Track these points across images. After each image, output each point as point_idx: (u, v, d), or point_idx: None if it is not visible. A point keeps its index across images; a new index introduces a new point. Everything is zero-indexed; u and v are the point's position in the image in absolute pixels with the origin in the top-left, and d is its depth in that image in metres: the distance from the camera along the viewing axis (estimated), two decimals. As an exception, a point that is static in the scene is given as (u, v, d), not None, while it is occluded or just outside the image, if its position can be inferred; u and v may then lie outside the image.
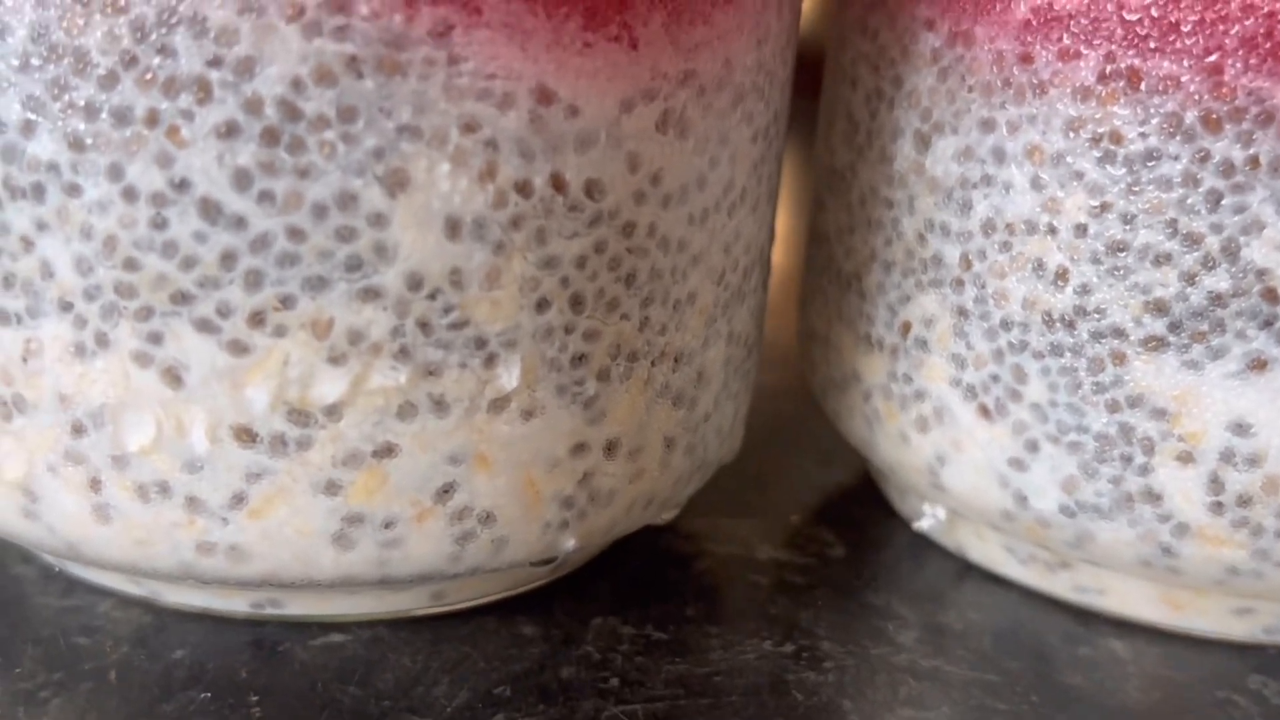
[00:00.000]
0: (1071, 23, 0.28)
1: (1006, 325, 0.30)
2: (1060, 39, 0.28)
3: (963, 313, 0.30)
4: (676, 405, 0.30)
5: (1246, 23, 0.26)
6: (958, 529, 0.34)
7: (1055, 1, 0.28)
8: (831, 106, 0.35)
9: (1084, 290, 0.29)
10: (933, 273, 0.31)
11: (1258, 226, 0.27)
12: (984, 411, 0.31)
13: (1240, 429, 0.28)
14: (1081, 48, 0.28)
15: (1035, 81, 0.28)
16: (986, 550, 0.34)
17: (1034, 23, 0.28)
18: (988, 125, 0.29)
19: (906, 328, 0.32)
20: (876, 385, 0.33)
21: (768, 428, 0.40)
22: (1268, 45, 0.26)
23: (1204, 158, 0.27)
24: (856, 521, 0.36)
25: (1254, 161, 0.27)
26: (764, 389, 0.36)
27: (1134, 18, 0.27)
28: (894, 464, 0.33)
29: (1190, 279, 0.28)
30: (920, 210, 0.31)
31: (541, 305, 0.26)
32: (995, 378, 0.30)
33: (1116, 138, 0.27)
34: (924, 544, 0.35)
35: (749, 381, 0.33)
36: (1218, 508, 0.28)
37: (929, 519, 0.34)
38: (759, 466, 0.38)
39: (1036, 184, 0.29)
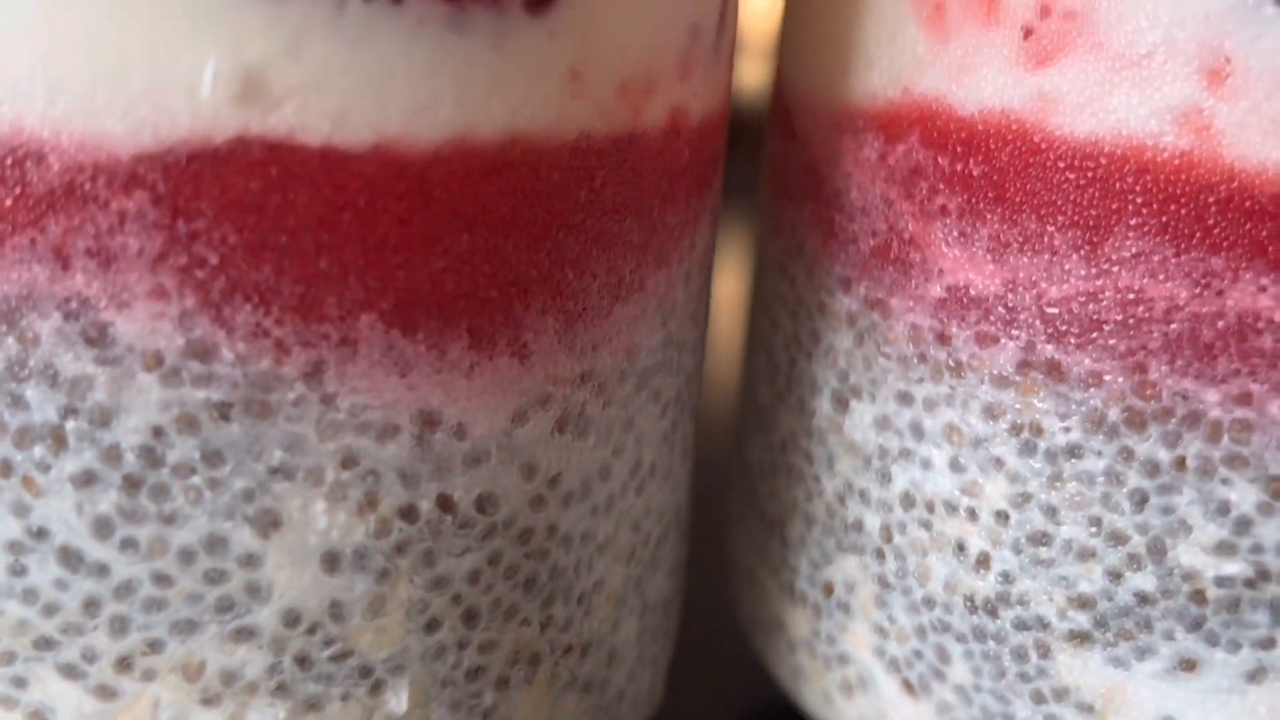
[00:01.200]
0: (989, 308, 0.26)
1: (929, 603, 0.28)
2: (978, 322, 0.26)
3: (885, 583, 0.29)
4: (586, 692, 0.28)
5: (1171, 325, 0.24)
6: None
7: (972, 284, 0.26)
8: (753, 336, 0.33)
9: (1006, 578, 0.27)
10: (854, 537, 0.29)
11: (1185, 529, 0.25)
12: (908, 687, 0.29)
13: (1171, 725, 0.26)
14: (1000, 334, 0.26)
15: (952, 362, 0.27)
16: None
17: (950, 302, 0.27)
18: (905, 398, 0.28)
19: (829, 588, 0.30)
20: (801, 639, 0.31)
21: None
22: (1193, 348, 0.24)
23: (1128, 456, 0.25)
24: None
25: (1180, 463, 0.25)
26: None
27: (1054, 311, 0.25)
28: None
29: (1116, 576, 0.26)
30: (840, 472, 0.29)
31: (431, 626, 0.25)
32: (919, 654, 0.29)
33: (1037, 429, 0.26)
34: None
35: (670, 635, 0.32)
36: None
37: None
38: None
39: (956, 465, 0.27)
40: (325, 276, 0.22)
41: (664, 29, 0.25)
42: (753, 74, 0.78)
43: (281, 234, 0.21)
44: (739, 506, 0.34)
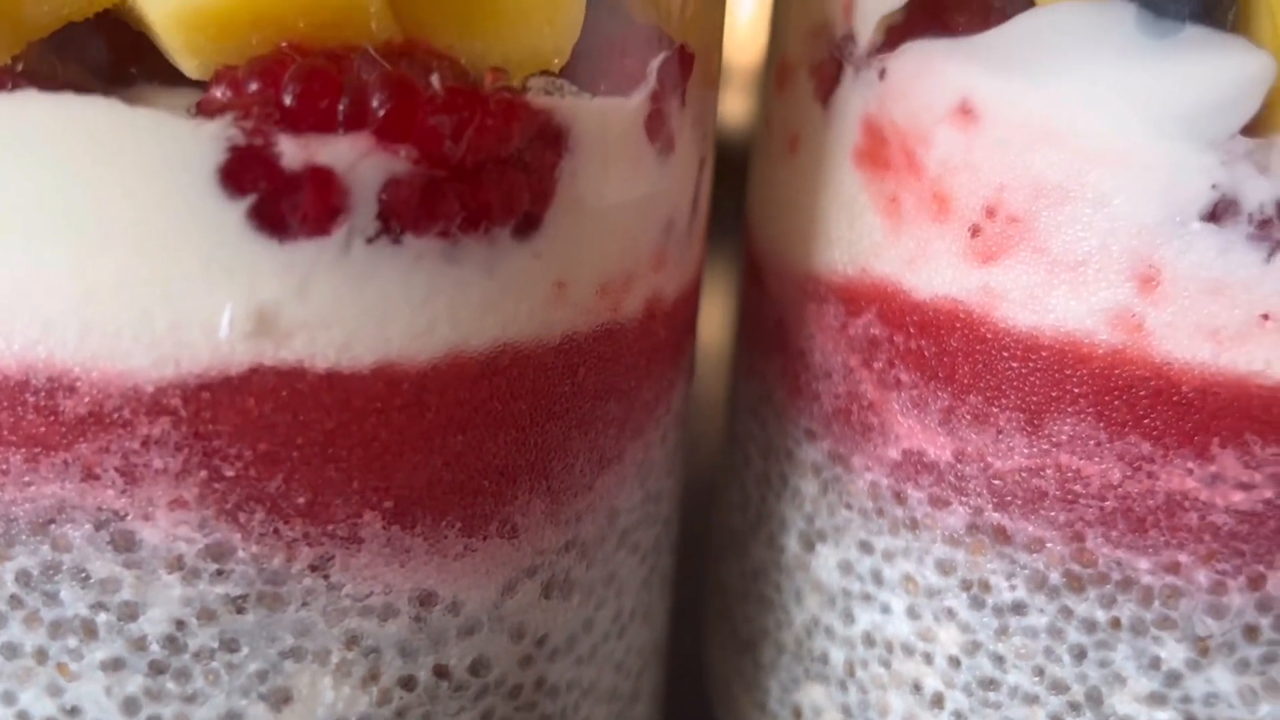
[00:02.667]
0: (941, 474, 0.28)
1: (889, 734, 0.30)
2: (931, 486, 0.28)
3: (848, 712, 0.31)
4: (572, 819, 0.30)
5: (1106, 501, 0.26)
6: None
7: (926, 451, 0.28)
8: (728, 467, 0.35)
9: (958, 717, 0.29)
10: (820, 668, 0.31)
11: (1120, 680, 0.27)
12: (870, 808, 0.31)
13: None
14: (951, 499, 0.28)
15: (908, 520, 0.29)
16: None
17: (905, 466, 0.28)
18: (866, 547, 0.29)
19: (797, 711, 0.32)
20: (771, 754, 0.33)
21: None
22: (1126, 521, 0.26)
23: (1068, 614, 0.27)
24: None
25: (1115, 623, 0.27)
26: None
27: (999, 482, 0.27)
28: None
29: (1058, 721, 0.28)
30: (807, 606, 0.31)
31: (428, 779, 0.27)
32: (880, 780, 0.31)
33: (985, 586, 0.28)
34: None
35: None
36: None
37: None
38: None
39: (912, 612, 0.29)
40: (331, 483, 0.23)
41: (641, 232, 0.26)
42: (737, 106, 0.79)
43: (292, 448, 0.23)
44: (715, 621, 0.36)
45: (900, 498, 0.28)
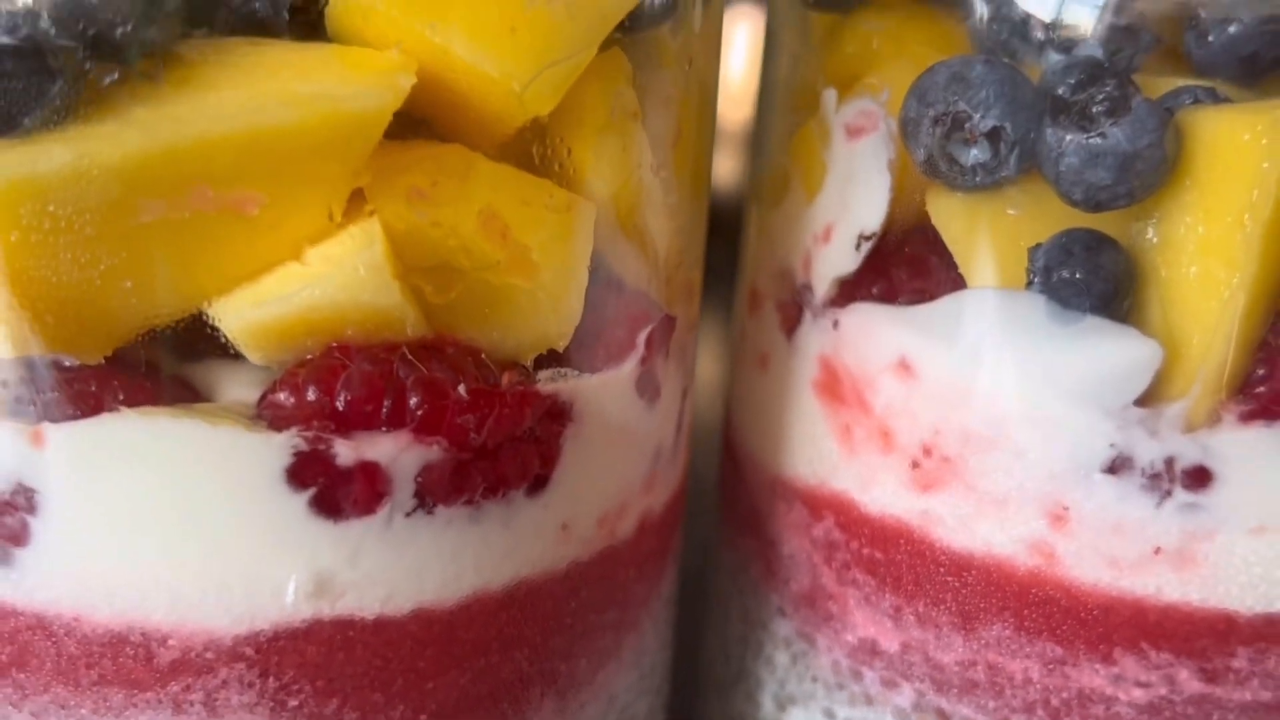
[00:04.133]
0: (891, 660, 0.32)
1: None
2: (883, 669, 0.32)
3: None
4: None
5: (1029, 691, 0.31)
6: None
7: (878, 640, 0.32)
8: (711, 618, 0.39)
9: None
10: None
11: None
12: None
13: None
14: (900, 681, 0.32)
15: (864, 694, 0.33)
16: None
17: (861, 650, 0.33)
18: (830, 713, 0.34)
19: (772, 843, 0.36)
20: None
21: None
22: (1045, 710, 0.31)
23: (999, 783, 0.31)
24: None
25: (1038, 791, 0.31)
26: None
27: (939, 672, 0.31)
28: None
29: None
30: (781, 757, 0.36)
31: None
32: None
33: (930, 756, 0.32)
34: None
35: None
36: None
37: None
38: None
39: (872, 774, 0.33)
40: (378, 705, 0.28)
41: (633, 468, 0.31)
42: (728, 167, 0.82)
43: (344, 681, 0.27)
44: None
45: (857, 676, 0.33)
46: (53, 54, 0.23)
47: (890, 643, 0.32)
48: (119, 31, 0.24)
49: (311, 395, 0.25)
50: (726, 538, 0.37)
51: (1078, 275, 0.27)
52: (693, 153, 0.32)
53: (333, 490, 0.25)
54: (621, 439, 0.30)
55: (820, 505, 0.32)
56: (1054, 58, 0.28)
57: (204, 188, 0.24)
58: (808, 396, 0.32)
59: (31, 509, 0.25)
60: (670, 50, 0.30)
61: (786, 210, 0.32)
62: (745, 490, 0.35)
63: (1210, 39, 0.28)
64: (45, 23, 0.23)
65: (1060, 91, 0.27)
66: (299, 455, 0.25)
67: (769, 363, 0.34)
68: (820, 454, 0.32)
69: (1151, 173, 0.26)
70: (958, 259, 0.29)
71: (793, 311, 0.32)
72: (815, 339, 0.32)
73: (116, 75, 0.24)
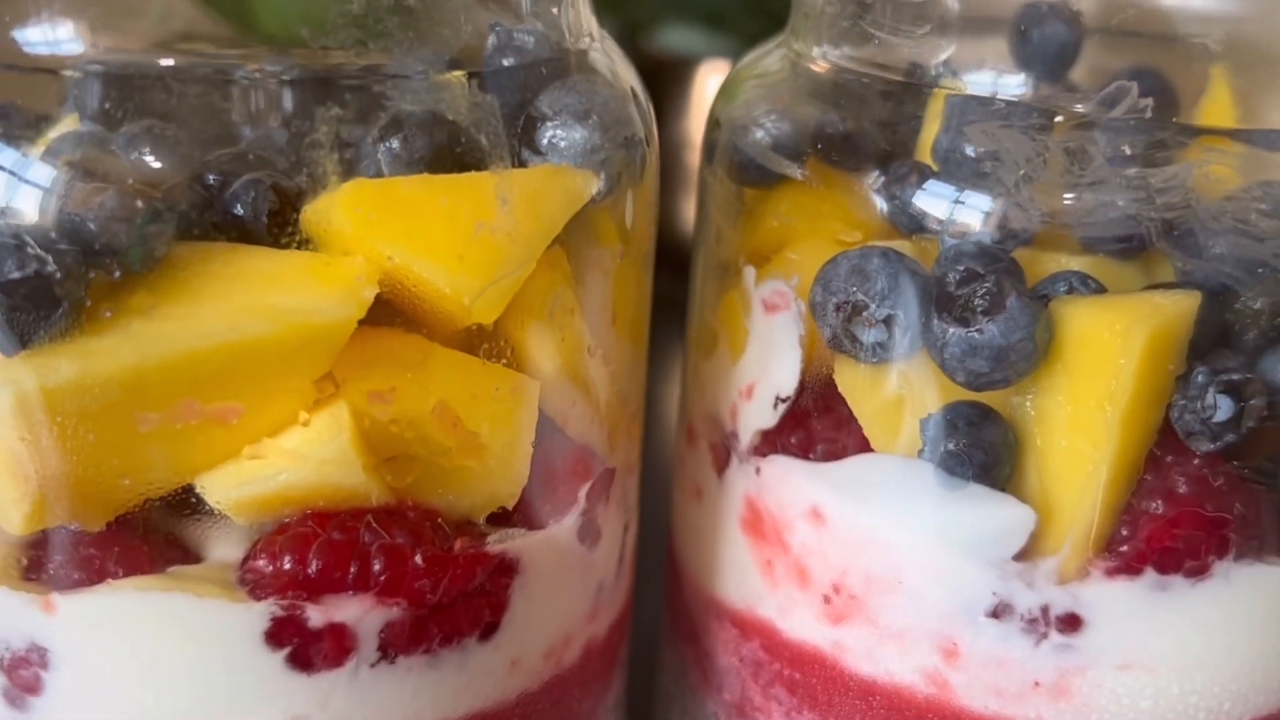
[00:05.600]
0: (810, 767, 0.35)
1: None
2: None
3: None
4: None
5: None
6: None
7: (798, 749, 0.35)
8: (660, 705, 0.42)
9: None
10: None
11: None
12: None
13: None
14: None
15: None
16: None
17: (785, 757, 0.36)
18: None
19: None
20: None
21: None
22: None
23: None
24: None
25: None
26: None
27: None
28: None
29: None
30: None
31: None
32: None
33: None
34: None
35: None
36: None
37: None
38: None
39: None
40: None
41: (577, 604, 0.34)
42: (687, 208, 0.84)
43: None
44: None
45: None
46: (58, 284, 0.26)
47: (808, 753, 0.35)
48: (116, 254, 0.27)
49: (287, 564, 0.29)
50: (670, 640, 0.40)
51: (961, 447, 0.30)
52: (632, 315, 0.35)
53: (305, 648, 0.29)
54: (565, 582, 0.33)
55: (748, 628, 0.35)
56: (946, 243, 0.31)
57: (191, 401, 0.27)
58: (735, 531, 0.35)
59: (44, 665, 0.29)
60: (608, 227, 0.33)
61: (715, 364, 0.35)
62: (685, 603, 0.39)
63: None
64: (51, 260, 0.26)
65: (945, 287, 0.30)
66: (276, 620, 0.28)
67: (703, 495, 0.37)
68: (747, 583, 0.35)
69: (1024, 362, 0.29)
70: (862, 424, 0.32)
71: (722, 453, 0.35)
72: (741, 481, 0.35)
73: (114, 291, 0.27)
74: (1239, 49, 0.32)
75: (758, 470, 0.34)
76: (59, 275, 0.26)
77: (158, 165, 0.28)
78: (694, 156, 0.39)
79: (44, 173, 0.27)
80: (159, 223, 0.27)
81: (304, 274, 0.28)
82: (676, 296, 0.39)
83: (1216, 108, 0.33)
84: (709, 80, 0.91)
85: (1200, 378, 0.29)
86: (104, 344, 0.27)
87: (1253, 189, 0.29)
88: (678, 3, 0.92)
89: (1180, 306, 0.29)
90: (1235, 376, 0.29)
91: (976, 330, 0.29)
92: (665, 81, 0.95)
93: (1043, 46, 0.33)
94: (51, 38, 0.28)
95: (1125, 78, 0.32)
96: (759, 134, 0.33)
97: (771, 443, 0.34)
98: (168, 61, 0.29)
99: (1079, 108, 0.30)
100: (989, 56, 0.31)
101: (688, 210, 0.64)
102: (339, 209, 0.28)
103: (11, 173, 0.27)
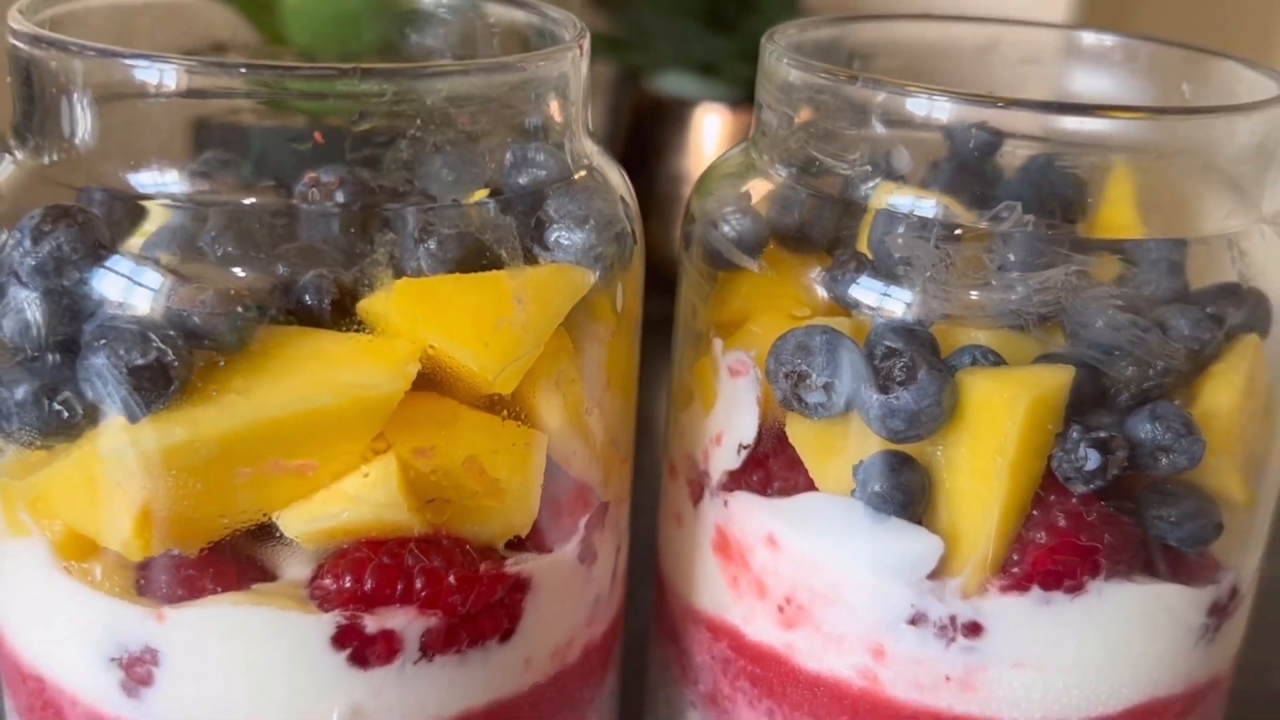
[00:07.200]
0: (768, 746, 0.42)
1: None
2: (763, 752, 0.42)
3: None
4: None
5: (862, 773, 0.40)
6: None
7: (759, 731, 0.42)
8: (649, 693, 0.49)
9: None
10: None
11: None
12: None
13: None
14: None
15: (751, 770, 0.43)
16: None
17: (748, 738, 0.43)
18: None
19: None
20: None
21: None
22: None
23: (845, 837, 0.41)
24: None
25: (872, 843, 0.41)
26: None
27: (801, 756, 0.41)
28: None
29: None
30: (694, 809, 0.45)
31: None
32: None
33: (796, 816, 0.42)
34: None
35: None
36: None
37: None
38: None
39: (755, 826, 0.43)
40: None
41: (578, 613, 0.40)
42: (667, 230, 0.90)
43: (371, 776, 0.37)
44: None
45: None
46: (170, 366, 0.33)
47: (768, 734, 0.42)
48: (217, 342, 0.33)
49: (348, 583, 0.35)
50: (656, 641, 0.47)
51: (885, 489, 0.37)
52: (622, 374, 0.41)
53: (363, 650, 0.35)
54: (568, 595, 0.39)
55: (718, 631, 0.42)
56: (876, 322, 0.38)
57: (277, 459, 0.33)
58: (708, 552, 0.42)
59: (155, 663, 0.35)
60: (603, 308, 0.40)
61: (691, 415, 0.42)
62: (668, 610, 0.45)
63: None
64: (167, 347, 0.33)
65: (872, 360, 0.36)
66: (340, 628, 0.35)
67: (682, 521, 0.44)
68: (717, 595, 0.42)
69: (932, 422, 0.36)
70: (808, 467, 0.38)
71: (697, 488, 0.42)
72: (712, 511, 0.42)
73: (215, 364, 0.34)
74: (1139, 155, 0.38)
75: (725, 503, 0.41)
76: (175, 360, 0.32)
77: (241, 269, 0.35)
78: (688, 189, 0.45)
79: (153, 278, 0.33)
80: (248, 317, 0.34)
81: (361, 354, 0.35)
82: (670, 315, 0.45)
83: (1116, 206, 0.39)
84: (704, 120, 0.99)
85: (1075, 434, 0.36)
86: (208, 414, 0.33)
87: (1113, 288, 0.36)
88: (677, 53, 0.99)
89: (1057, 379, 0.36)
90: (1102, 434, 0.36)
91: (894, 397, 0.35)
92: (665, 121, 1.03)
93: (969, 146, 0.40)
94: (159, 180, 0.35)
95: (1039, 170, 0.38)
96: (725, 229, 0.40)
97: (736, 481, 0.40)
98: (248, 199, 0.35)
99: (983, 224, 0.37)
100: (910, 181, 0.38)
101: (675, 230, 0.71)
102: (391, 303, 0.34)
103: (128, 278, 0.34)
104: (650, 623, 0.47)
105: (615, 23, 0.99)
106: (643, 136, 1.05)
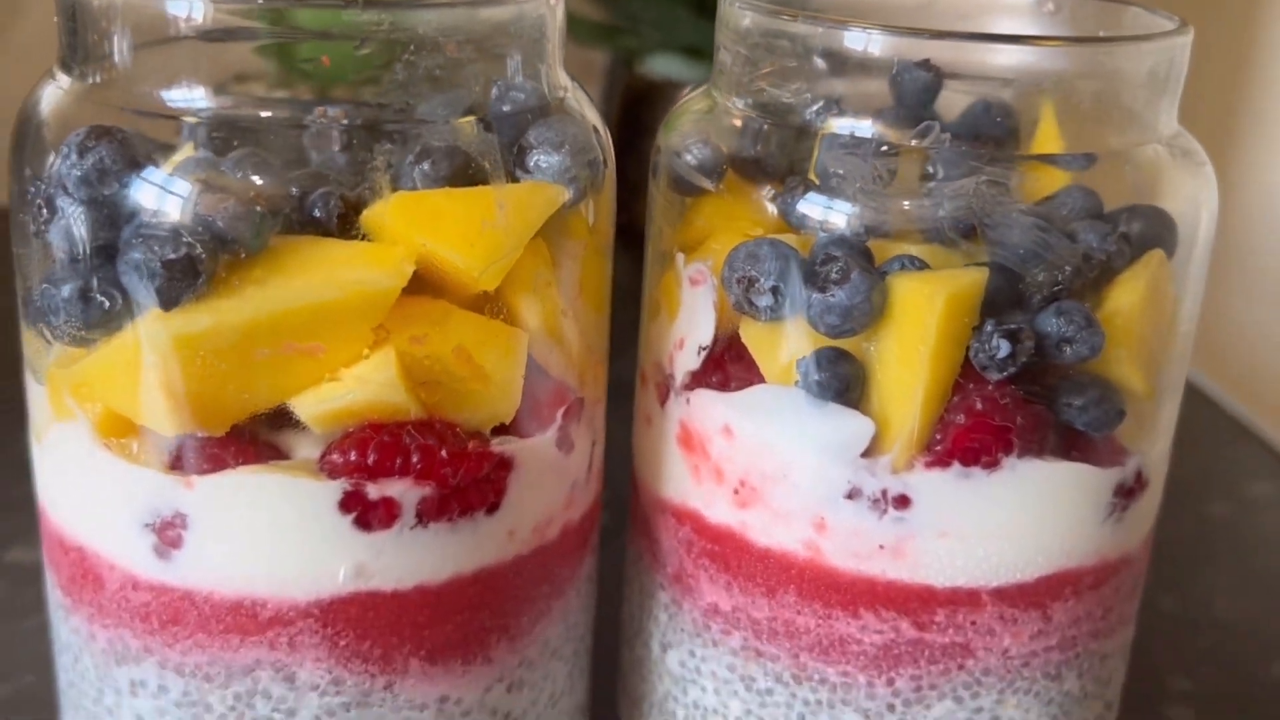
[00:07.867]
0: (727, 616, 0.47)
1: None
2: (722, 623, 0.47)
3: (686, 744, 0.50)
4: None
5: (809, 637, 0.45)
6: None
7: (718, 603, 0.47)
8: (626, 584, 0.54)
9: (743, 749, 0.48)
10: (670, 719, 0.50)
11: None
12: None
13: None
14: (732, 630, 0.47)
15: (711, 639, 0.47)
16: None
17: (709, 611, 0.47)
18: (692, 653, 0.48)
19: (660, 742, 0.51)
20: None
21: None
22: (820, 648, 0.45)
23: (794, 696, 0.46)
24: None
25: (819, 702, 0.46)
26: None
27: (756, 624, 0.46)
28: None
29: (793, 752, 0.47)
30: (665, 684, 0.50)
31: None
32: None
33: (751, 679, 0.47)
34: None
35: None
36: None
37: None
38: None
39: (717, 692, 0.48)
40: (395, 644, 0.42)
41: (557, 495, 0.45)
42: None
43: (373, 629, 0.42)
44: (621, 688, 0.55)
45: (707, 628, 0.47)
46: (199, 261, 0.38)
47: (726, 606, 0.46)
48: (239, 243, 0.38)
49: (353, 457, 0.40)
50: (631, 536, 0.52)
51: (824, 378, 0.42)
52: (595, 287, 0.46)
53: (366, 514, 0.40)
54: (548, 477, 0.44)
55: (682, 516, 0.47)
56: (820, 236, 0.43)
57: (290, 341, 0.38)
58: (673, 446, 0.47)
59: (184, 526, 0.40)
60: (576, 225, 0.44)
61: (658, 325, 0.47)
62: (640, 505, 0.50)
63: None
64: (196, 243, 0.37)
65: (812, 265, 0.41)
66: (346, 494, 0.40)
67: (651, 422, 0.48)
68: (681, 484, 0.47)
69: (864, 318, 0.41)
70: (759, 364, 0.43)
71: (664, 390, 0.47)
72: (676, 409, 0.46)
73: (238, 261, 0.38)
74: (1059, 84, 0.43)
75: (688, 400, 0.46)
76: (202, 255, 0.37)
77: (260, 181, 0.40)
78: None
79: (184, 186, 0.38)
80: (266, 221, 0.38)
81: (364, 257, 0.39)
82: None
83: (1041, 136, 0.44)
84: (692, 100, 1.03)
85: (989, 327, 0.41)
86: (230, 304, 0.38)
87: (1029, 205, 0.41)
88: (665, 38, 1.04)
89: (972, 278, 0.40)
90: (1012, 326, 0.40)
91: (830, 295, 0.40)
92: (655, 101, 1.08)
93: (910, 87, 0.44)
94: (188, 96, 0.40)
95: (977, 110, 0.43)
96: (688, 157, 0.45)
97: (697, 380, 0.45)
98: (265, 113, 0.40)
99: (912, 142, 0.42)
100: (852, 105, 0.42)
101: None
102: (388, 213, 0.39)
103: (161, 187, 0.39)
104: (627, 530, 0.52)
105: (608, 11, 1.05)
106: (634, 118, 1.10)
